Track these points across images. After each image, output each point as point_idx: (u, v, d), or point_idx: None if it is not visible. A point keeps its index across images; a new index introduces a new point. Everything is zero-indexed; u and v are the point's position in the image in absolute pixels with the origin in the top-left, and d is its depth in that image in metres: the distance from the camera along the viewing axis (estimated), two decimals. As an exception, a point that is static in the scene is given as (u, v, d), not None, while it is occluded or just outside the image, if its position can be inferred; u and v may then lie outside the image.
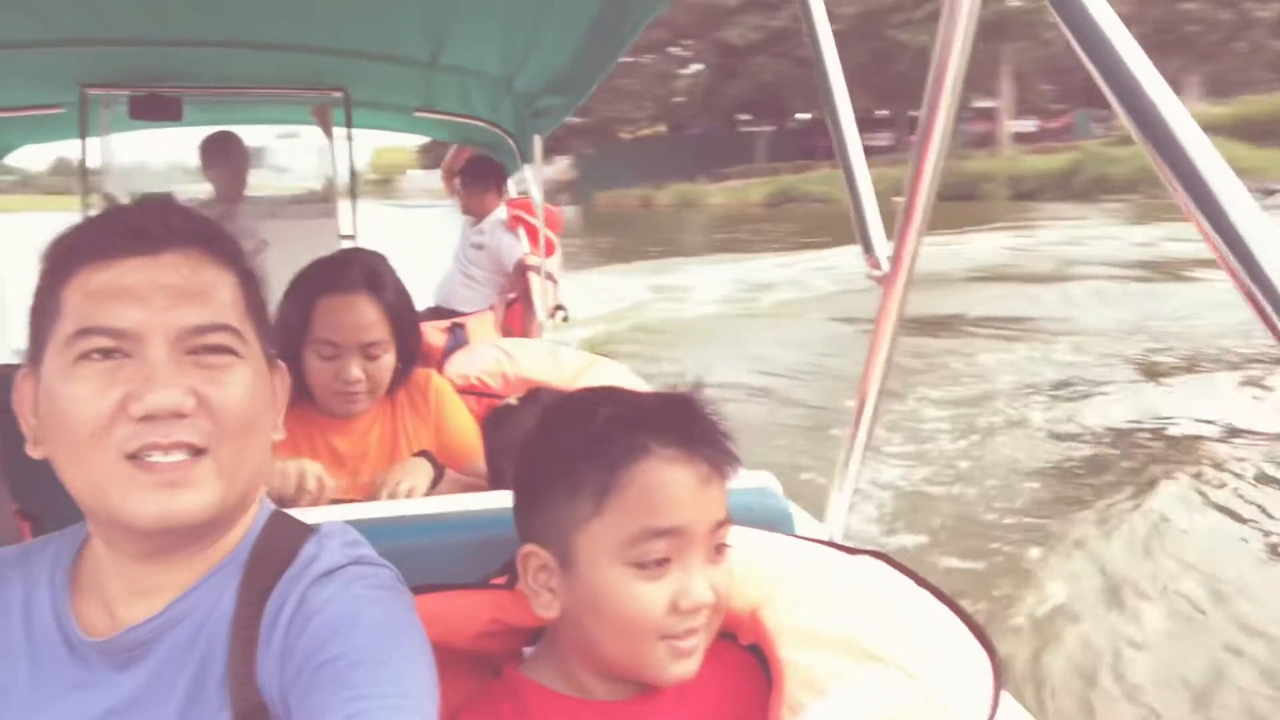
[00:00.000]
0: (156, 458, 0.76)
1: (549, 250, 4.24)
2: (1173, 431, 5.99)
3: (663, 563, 0.88)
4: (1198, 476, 4.92)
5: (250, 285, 0.87)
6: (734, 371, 8.04)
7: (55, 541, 0.89)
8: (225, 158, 3.91)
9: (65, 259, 0.80)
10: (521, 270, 4.43)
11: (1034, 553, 4.14)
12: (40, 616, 0.83)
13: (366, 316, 1.72)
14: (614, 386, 0.99)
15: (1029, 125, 44.73)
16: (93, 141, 3.55)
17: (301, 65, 3.19)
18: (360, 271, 1.76)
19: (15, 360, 0.85)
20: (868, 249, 1.23)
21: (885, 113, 42.12)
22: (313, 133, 4.07)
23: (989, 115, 41.87)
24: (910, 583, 1.00)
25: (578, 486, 0.89)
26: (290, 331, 1.68)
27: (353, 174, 3.91)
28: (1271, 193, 16.32)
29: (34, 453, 0.81)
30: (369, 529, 0.95)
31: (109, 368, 0.77)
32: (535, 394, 1.67)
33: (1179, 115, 0.70)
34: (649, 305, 12.84)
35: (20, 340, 0.85)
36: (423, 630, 0.82)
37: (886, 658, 0.88)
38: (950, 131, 1.09)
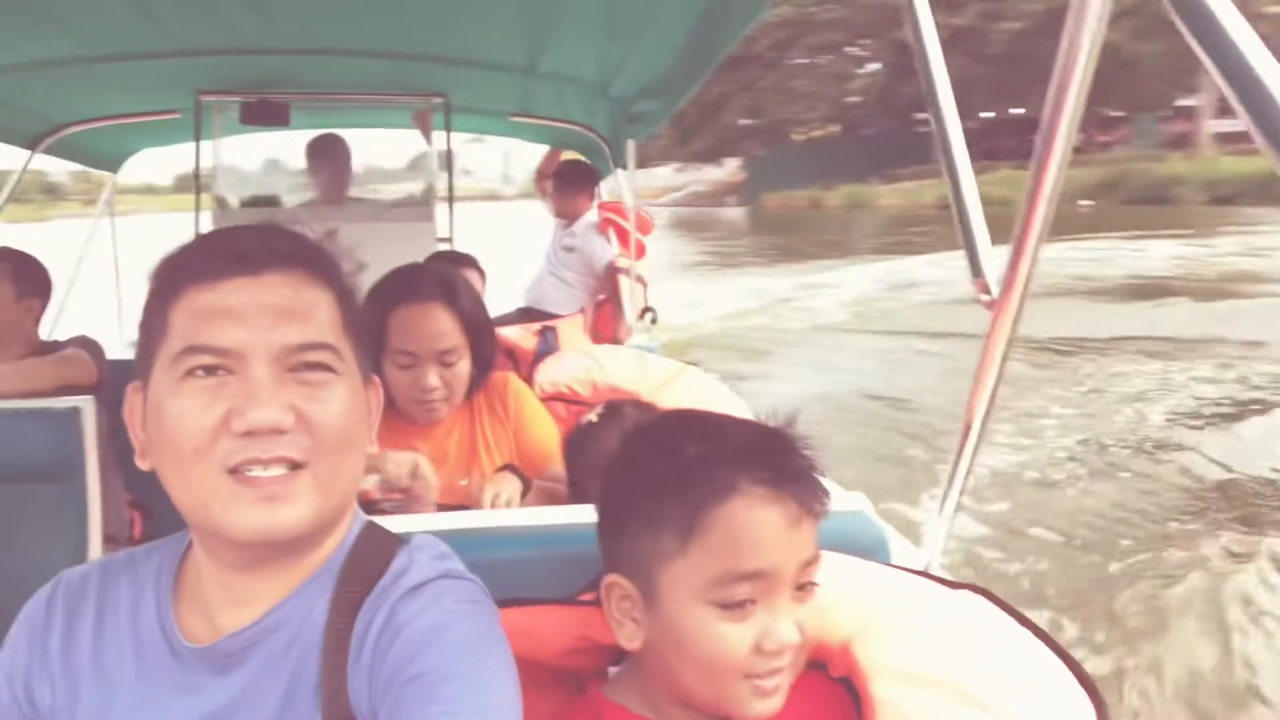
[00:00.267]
0: (257, 472, 0.78)
1: (639, 253, 4.25)
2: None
3: (747, 604, 0.85)
4: None
5: (348, 303, 0.89)
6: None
7: (160, 549, 0.92)
8: (329, 160, 4.03)
9: (172, 279, 0.83)
10: (611, 273, 4.45)
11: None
12: (146, 620, 0.87)
13: (441, 325, 1.74)
14: (703, 415, 0.96)
15: (1233, 125, 42.39)
16: (205, 145, 3.72)
17: (404, 72, 3.27)
18: (433, 281, 1.78)
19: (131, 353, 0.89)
20: (976, 271, 1.16)
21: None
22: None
23: (1189, 114, 39.26)
24: (1012, 621, 0.95)
25: (661, 523, 0.87)
26: (369, 341, 1.71)
27: (450, 177, 3.98)
28: None
29: (142, 464, 0.84)
30: (458, 540, 0.96)
31: (213, 385, 0.79)
32: (616, 409, 1.66)
33: None
34: (773, 308, 12.96)
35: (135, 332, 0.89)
36: (508, 645, 0.82)
37: (985, 702, 0.84)
38: (1071, 146, 1.01)
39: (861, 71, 50.70)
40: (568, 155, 4.74)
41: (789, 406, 0.94)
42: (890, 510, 4.04)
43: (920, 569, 1.18)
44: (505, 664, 0.80)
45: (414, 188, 4.38)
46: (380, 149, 4.75)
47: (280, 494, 0.79)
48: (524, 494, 1.71)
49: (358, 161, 4.17)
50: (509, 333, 3.17)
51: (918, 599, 0.99)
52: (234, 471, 0.78)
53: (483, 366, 1.85)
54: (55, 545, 1.70)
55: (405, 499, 1.58)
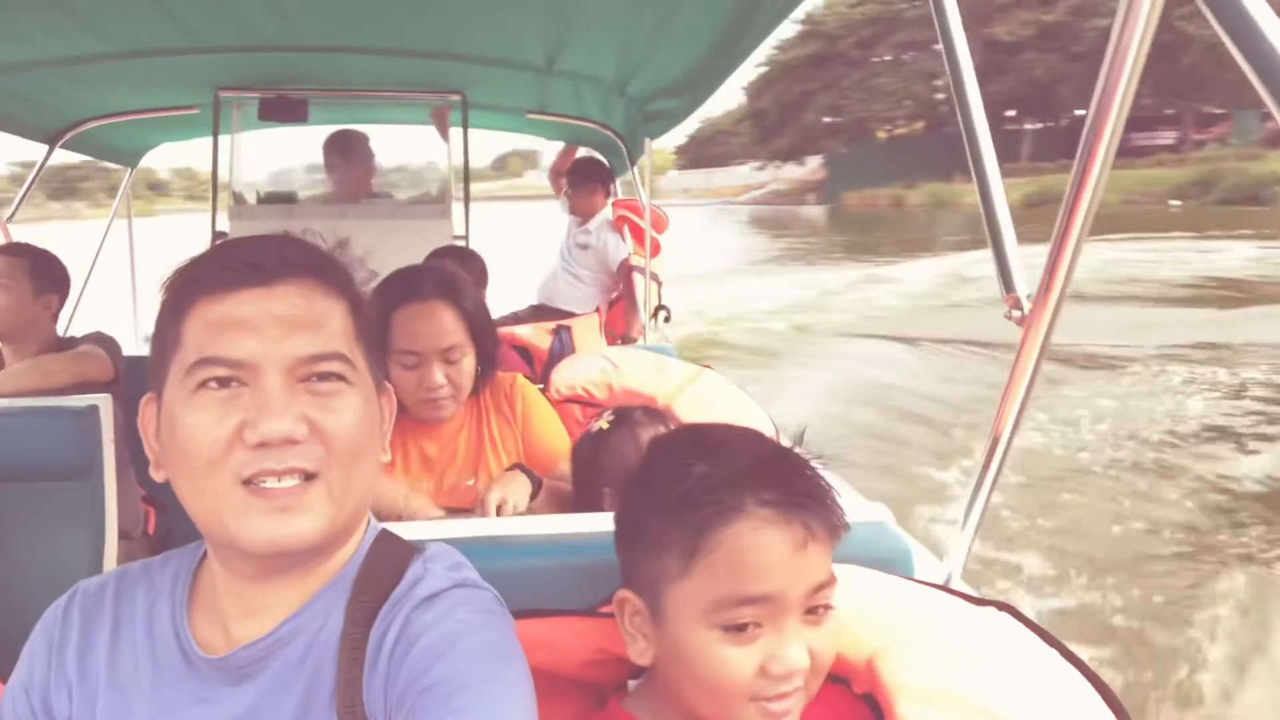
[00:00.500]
0: (270, 483, 0.78)
1: (654, 251, 4.24)
2: None
3: (751, 627, 0.83)
4: None
5: (360, 311, 0.89)
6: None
7: (176, 559, 0.92)
8: (347, 157, 4.04)
9: (185, 290, 0.83)
10: (626, 271, 4.44)
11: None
12: (161, 631, 0.87)
13: (444, 323, 1.75)
14: (715, 431, 0.93)
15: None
16: (224, 140, 3.73)
17: (422, 70, 3.27)
18: (434, 279, 1.79)
19: (146, 348, 0.89)
20: (1008, 287, 1.14)
21: (1171, 111, 40.21)
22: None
23: (1291, 110, 39.07)
24: (1038, 640, 0.94)
25: (667, 543, 0.86)
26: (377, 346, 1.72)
27: (466, 174, 3.98)
28: None
29: (156, 476, 0.84)
30: (475, 548, 0.95)
31: (226, 396, 0.79)
32: (625, 416, 1.65)
33: None
34: (826, 301, 13.50)
35: (150, 327, 0.89)
36: (523, 655, 0.81)
37: None
38: (1113, 156, 0.98)
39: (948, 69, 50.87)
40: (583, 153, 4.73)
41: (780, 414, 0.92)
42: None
43: (942, 582, 1.17)
44: (521, 674, 0.79)
45: (434, 186, 4.37)
46: (399, 146, 4.75)
47: (293, 505, 0.79)
48: (534, 494, 1.70)
49: (392, 158, 4.17)
50: (523, 331, 3.17)
51: (942, 615, 0.98)
52: (248, 483, 0.78)
53: (487, 363, 1.86)
54: (72, 542, 1.71)
55: None
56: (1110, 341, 9.24)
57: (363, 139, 4.08)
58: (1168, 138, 39.21)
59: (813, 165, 55.60)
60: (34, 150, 3.62)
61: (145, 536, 2.38)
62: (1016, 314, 1.13)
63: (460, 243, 3.74)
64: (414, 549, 0.90)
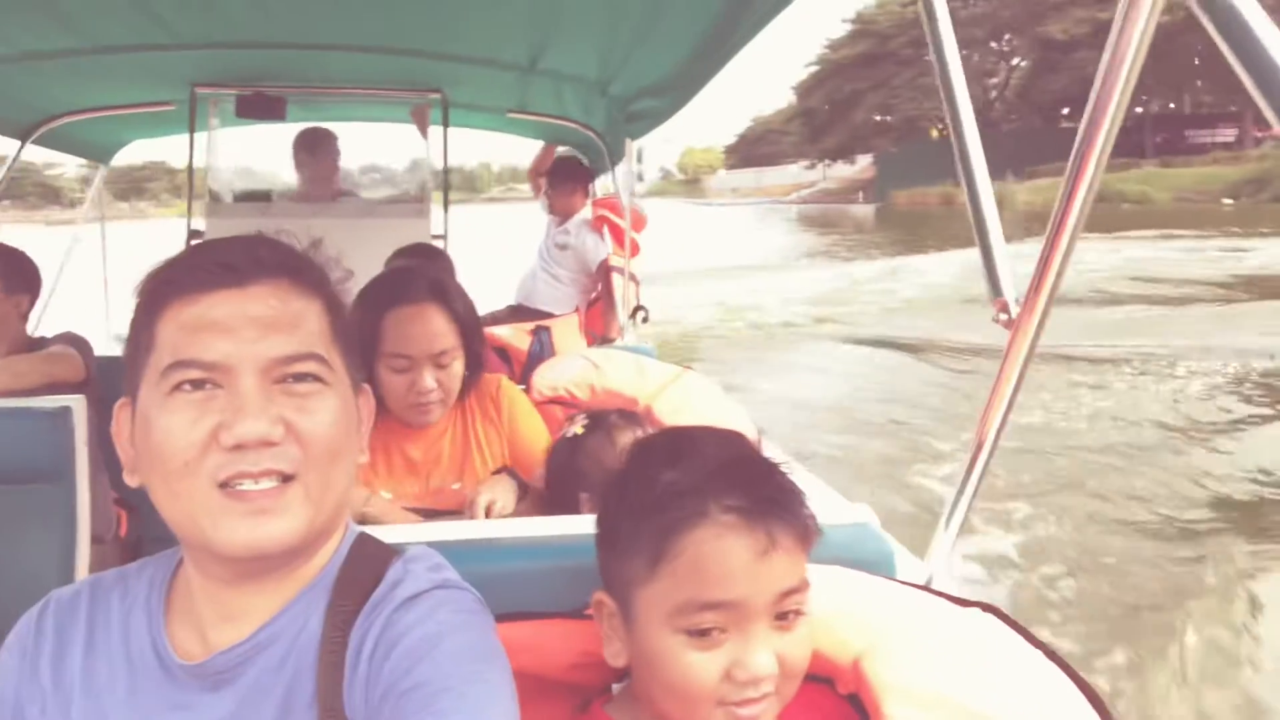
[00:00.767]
0: (247, 486, 0.77)
1: (634, 251, 4.23)
2: None
3: (716, 632, 0.83)
4: None
5: (336, 311, 0.88)
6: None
7: (152, 565, 0.90)
8: (313, 153, 4.01)
9: (158, 293, 0.82)
10: (605, 271, 4.43)
11: None
12: (138, 638, 0.85)
13: (435, 326, 1.74)
14: (686, 435, 0.93)
15: None
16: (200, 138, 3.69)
17: (402, 68, 3.24)
18: (425, 282, 1.78)
19: (118, 349, 0.88)
20: (995, 291, 1.14)
21: (1233, 108, 40.34)
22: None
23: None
24: (1022, 641, 0.94)
25: (635, 547, 0.86)
26: (360, 345, 1.70)
27: (445, 174, 3.96)
28: None
29: (131, 480, 0.83)
30: (461, 551, 0.94)
31: (200, 399, 0.78)
32: (600, 420, 1.64)
33: None
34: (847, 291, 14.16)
35: (122, 326, 0.88)
36: (505, 656, 0.81)
37: None
38: (1105, 162, 0.98)
39: (1003, 67, 50.50)
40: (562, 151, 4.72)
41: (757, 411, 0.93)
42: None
43: (924, 583, 1.17)
44: (503, 675, 0.78)
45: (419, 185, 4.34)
46: (380, 144, 4.72)
47: (270, 507, 0.78)
48: (521, 497, 1.69)
49: (359, 157, 4.15)
50: (501, 332, 3.15)
51: (927, 616, 0.98)
52: (224, 486, 0.77)
53: (474, 367, 1.84)
54: (43, 545, 1.68)
55: None
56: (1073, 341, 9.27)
57: (330, 135, 4.07)
58: (1228, 135, 39.24)
59: (862, 164, 55.83)
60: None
61: (117, 540, 2.34)
62: (1004, 317, 1.13)
63: (439, 243, 3.72)
64: (394, 551, 0.89)
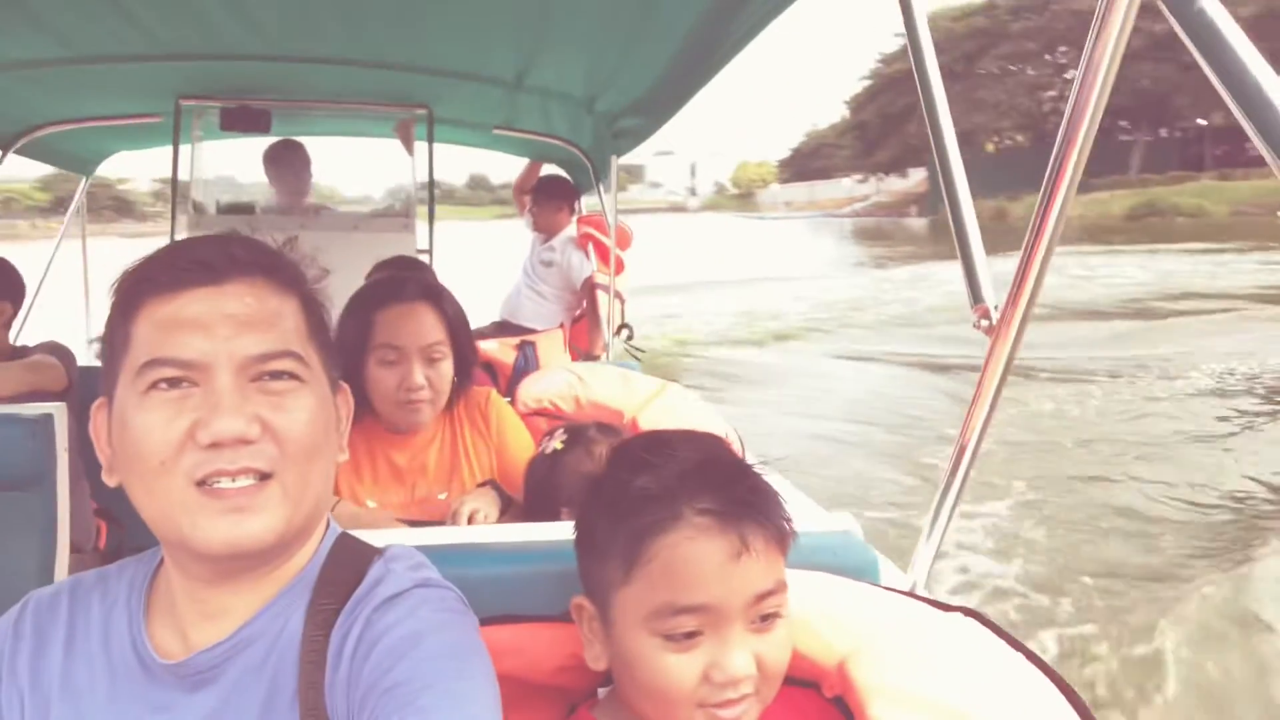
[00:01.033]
0: (224, 484, 0.77)
1: (619, 269, 4.25)
2: None
3: (693, 635, 0.84)
4: None
5: (313, 309, 0.88)
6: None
7: (132, 566, 0.90)
8: (279, 165, 4.02)
9: (133, 292, 0.82)
10: (590, 288, 4.44)
11: None
12: (118, 638, 0.85)
13: (426, 321, 1.76)
14: (661, 439, 0.93)
15: None
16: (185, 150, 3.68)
17: (389, 82, 3.25)
18: (417, 284, 1.81)
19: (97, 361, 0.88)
20: (976, 298, 1.16)
21: None
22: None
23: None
24: (1004, 645, 0.95)
25: (610, 551, 0.87)
26: (350, 347, 1.71)
27: (431, 188, 3.96)
28: None
29: (109, 480, 0.82)
30: (446, 555, 0.94)
31: (177, 397, 0.78)
32: (580, 434, 1.65)
33: None
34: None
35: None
36: (487, 654, 0.81)
37: None
38: (1080, 174, 1.01)
39: (1057, 80, 50.65)
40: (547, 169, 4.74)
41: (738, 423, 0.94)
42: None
43: (907, 590, 1.18)
44: (484, 673, 0.78)
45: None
46: (366, 158, 4.72)
47: (248, 505, 0.78)
48: (504, 510, 1.69)
49: (345, 172, 4.17)
50: (487, 346, 3.15)
51: (910, 620, 0.99)
52: (201, 484, 0.77)
53: (464, 373, 1.85)
54: (22, 553, 1.66)
55: None
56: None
57: (298, 147, 4.09)
58: (1272, 148, 39.44)
59: (916, 178, 55.66)
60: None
61: (96, 550, 2.32)
62: (985, 324, 1.15)
63: (424, 257, 3.72)
64: (375, 550, 0.89)
